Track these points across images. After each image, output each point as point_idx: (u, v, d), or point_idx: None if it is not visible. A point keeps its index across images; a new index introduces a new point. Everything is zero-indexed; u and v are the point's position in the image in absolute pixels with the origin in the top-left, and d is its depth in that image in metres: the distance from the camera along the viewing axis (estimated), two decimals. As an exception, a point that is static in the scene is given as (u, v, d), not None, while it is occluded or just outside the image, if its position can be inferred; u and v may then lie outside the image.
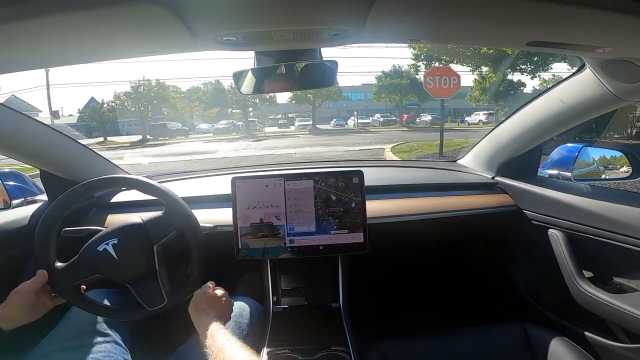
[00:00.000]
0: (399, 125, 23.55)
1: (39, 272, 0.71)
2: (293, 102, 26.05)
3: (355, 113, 25.72)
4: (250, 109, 24.57)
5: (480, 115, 20.97)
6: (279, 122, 28.61)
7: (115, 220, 0.80)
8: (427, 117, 23.61)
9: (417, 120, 24.31)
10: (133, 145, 17.50)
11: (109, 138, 20.41)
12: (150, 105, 21.85)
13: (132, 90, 21.14)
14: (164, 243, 0.77)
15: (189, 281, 0.76)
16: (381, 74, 24.30)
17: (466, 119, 23.14)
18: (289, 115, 31.30)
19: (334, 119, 26.00)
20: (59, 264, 0.75)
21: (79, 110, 20.78)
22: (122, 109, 21.40)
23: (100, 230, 0.79)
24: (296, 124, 25.51)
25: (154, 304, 0.75)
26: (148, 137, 19.98)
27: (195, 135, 22.53)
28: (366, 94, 34.95)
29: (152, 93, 21.34)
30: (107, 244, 0.74)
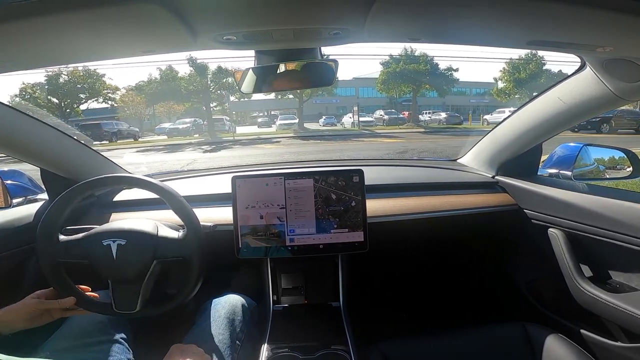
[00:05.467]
0: (409, 124, 19.26)
1: (69, 298, 0.72)
2: (272, 95, 21.45)
3: (356, 109, 19.93)
4: (215, 103, 18.63)
5: (506, 113, 15.99)
6: (259, 121, 24.42)
7: (131, 218, 0.80)
8: (441, 115, 19.91)
9: (428, 118, 20.47)
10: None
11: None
12: (76, 102, 16.86)
13: (46, 81, 15.84)
14: (165, 262, 0.76)
15: (183, 290, 0.75)
16: (389, 58, 20.25)
17: (485, 117, 19.34)
18: (272, 112, 27.41)
19: (324, 117, 22.12)
20: (62, 237, 0.74)
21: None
22: (33, 107, 15.02)
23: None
24: (278, 122, 19.89)
25: (123, 308, 0.74)
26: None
27: (156, 136, 17.61)
28: (357, 88, 31.91)
29: (78, 85, 16.44)
30: (114, 242, 0.73)
